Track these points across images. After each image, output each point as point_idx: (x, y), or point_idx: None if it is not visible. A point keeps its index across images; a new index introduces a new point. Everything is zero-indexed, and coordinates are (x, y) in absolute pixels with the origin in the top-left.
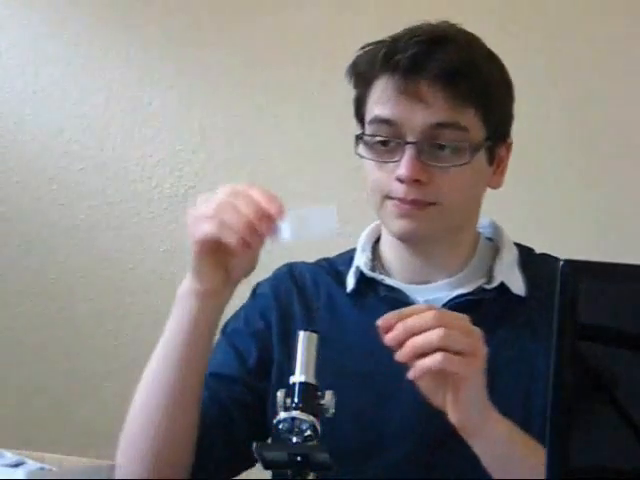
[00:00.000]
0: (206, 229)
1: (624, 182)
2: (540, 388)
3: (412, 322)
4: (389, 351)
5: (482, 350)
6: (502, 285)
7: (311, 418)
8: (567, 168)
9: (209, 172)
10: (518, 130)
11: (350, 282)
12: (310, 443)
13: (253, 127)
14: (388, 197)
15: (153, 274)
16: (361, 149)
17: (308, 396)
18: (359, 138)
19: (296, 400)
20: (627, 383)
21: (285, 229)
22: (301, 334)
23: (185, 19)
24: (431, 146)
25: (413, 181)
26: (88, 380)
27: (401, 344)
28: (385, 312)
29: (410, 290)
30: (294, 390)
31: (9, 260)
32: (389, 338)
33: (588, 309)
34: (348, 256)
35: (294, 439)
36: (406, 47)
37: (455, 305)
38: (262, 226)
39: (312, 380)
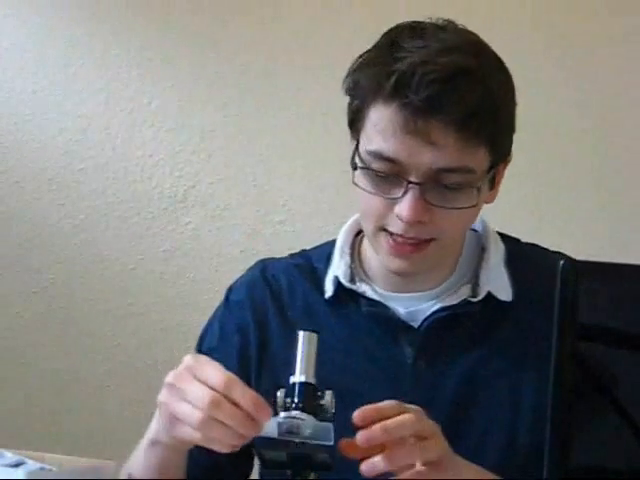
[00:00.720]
0: (190, 436)
1: (630, 181)
2: (529, 394)
3: (392, 427)
4: (369, 367)
5: (445, 452)
6: (488, 294)
7: (311, 418)
8: (572, 167)
9: (209, 172)
10: (525, 128)
11: (328, 289)
12: (310, 443)
13: (253, 127)
14: (384, 229)
15: (153, 274)
16: (358, 178)
17: (308, 396)
18: (355, 167)
19: (296, 400)
20: (627, 383)
21: (273, 428)
22: (301, 334)
23: (185, 19)
24: (436, 186)
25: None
26: (88, 380)
27: (374, 445)
28: (366, 326)
29: (392, 300)
30: (294, 390)
31: (9, 260)
32: (365, 438)
33: (588, 309)
34: (326, 252)
35: (294, 439)
36: (419, 86)
37: (438, 319)
38: (249, 432)
39: (312, 380)
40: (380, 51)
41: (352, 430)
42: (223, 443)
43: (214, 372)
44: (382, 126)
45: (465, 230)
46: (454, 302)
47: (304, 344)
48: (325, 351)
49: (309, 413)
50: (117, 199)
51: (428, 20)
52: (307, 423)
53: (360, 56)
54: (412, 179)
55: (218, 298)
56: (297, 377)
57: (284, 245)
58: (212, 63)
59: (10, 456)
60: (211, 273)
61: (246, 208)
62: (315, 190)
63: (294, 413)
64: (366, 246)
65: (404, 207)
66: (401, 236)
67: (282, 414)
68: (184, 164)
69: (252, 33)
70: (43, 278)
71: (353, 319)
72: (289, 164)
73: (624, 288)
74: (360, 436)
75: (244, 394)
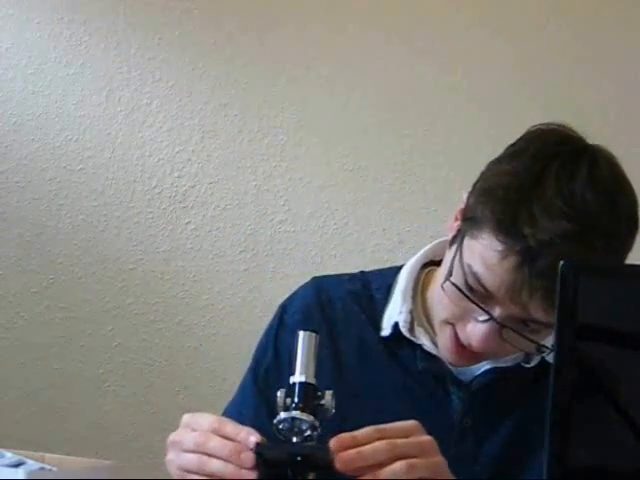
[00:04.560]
0: None
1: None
2: None
3: (367, 453)
4: (416, 417)
5: (439, 458)
6: (541, 358)
7: (311, 418)
8: None
9: (209, 172)
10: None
11: (386, 329)
12: (310, 443)
13: (253, 127)
14: (450, 323)
15: (153, 274)
16: (447, 285)
17: (308, 396)
18: (450, 274)
19: (296, 400)
20: (627, 383)
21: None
22: (301, 334)
23: (185, 19)
24: (515, 326)
25: None
26: (88, 380)
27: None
28: (418, 375)
29: None
30: (294, 390)
31: (9, 260)
32: (341, 461)
33: (588, 309)
34: (387, 282)
35: (294, 439)
36: (537, 269)
37: (489, 379)
38: (243, 461)
39: (312, 380)
40: (521, 182)
41: None
42: (228, 476)
43: (205, 419)
44: (489, 264)
45: None
46: (507, 364)
47: (304, 344)
48: (374, 393)
49: (309, 413)
50: (117, 199)
51: (583, 140)
52: (307, 423)
53: (498, 168)
54: (496, 316)
55: (218, 298)
56: (297, 377)
57: (284, 245)
58: (212, 63)
59: (10, 456)
60: (211, 273)
61: (246, 208)
62: (315, 190)
63: (294, 413)
64: (431, 297)
65: (476, 335)
66: (468, 344)
67: (282, 414)
68: (184, 164)
69: (252, 33)
70: (43, 278)
71: (406, 364)
72: (289, 164)
73: (624, 288)
74: (338, 460)
75: (235, 429)
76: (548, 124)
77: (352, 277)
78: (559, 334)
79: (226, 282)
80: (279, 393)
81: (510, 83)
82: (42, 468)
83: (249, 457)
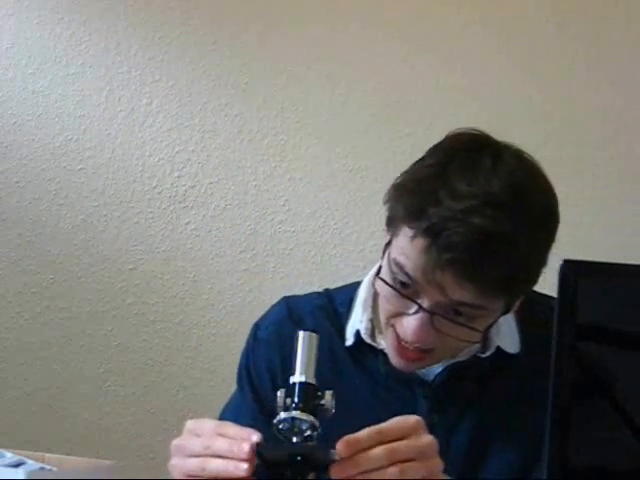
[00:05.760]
0: None
1: (631, 180)
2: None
3: (364, 462)
4: (385, 419)
5: (437, 460)
6: (497, 348)
7: (311, 418)
8: (572, 166)
9: (209, 172)
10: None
11: (349, 338)
12: (310, 443)
13: (253, 127)
14: (393, 325)
15: (153, 274)
16: (378, 283)
17: (308, 396)
18: (378, 272)
19: (296, 400)
20: (627, 383)
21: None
22: (301, 334)
23: (185, 19)
24: (446, 313)
25: None
26: (88, 380)
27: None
28: (384, 379)
29: None
30: (294, 390)
31: (9, 260)
32: (339, 472)
33: (588, 309)
34: (349, 296)
35: (294, 439)
36: (444, 244)
37: (448, 374)
38: (242, 453)
39: (312, 380)
40: (428, 175)
41: None
42: (229, 474)
43: (208, 424)
44: (406, 253)
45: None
46: (464, 358)
47: (304, 344)
48: (345, 401)
49: (309, 413)
50: (117, 199)
51: (497, 142)
52: (307, 423)
53: (414, 166)
54: (424, 305)
55: (218, 298)
56: (297, 377)
57: (284, 245)
58: (212, 63)
59: (10, 456)
60: (211, 273)
61: (246, 208)
62: (315, 190)
63: (294, 413)
64: None
65: (409, 328)
66: (405, 341)
67: (282, 414)
68: (184, 164)
69: (252, 33)
70: (43, 278)
71: (372, 371)
72: (289, 164)
73: (624, 288)
74: (334, 470)
75: (237, 429)
76: (467, 129)
77: (319, 294)
78: (559, 334)
79: (226, 282)
80: (279, 393)
81: (510, 83)
82: (42, 468)
83: (244, 448)
